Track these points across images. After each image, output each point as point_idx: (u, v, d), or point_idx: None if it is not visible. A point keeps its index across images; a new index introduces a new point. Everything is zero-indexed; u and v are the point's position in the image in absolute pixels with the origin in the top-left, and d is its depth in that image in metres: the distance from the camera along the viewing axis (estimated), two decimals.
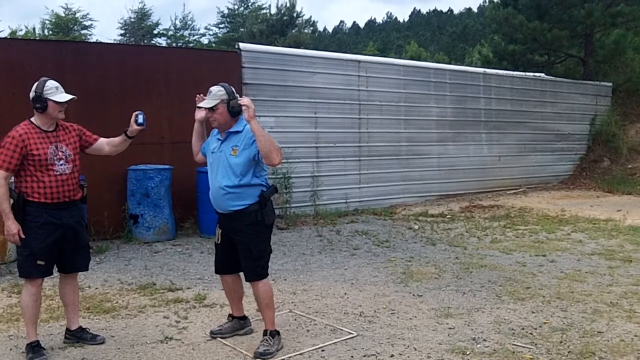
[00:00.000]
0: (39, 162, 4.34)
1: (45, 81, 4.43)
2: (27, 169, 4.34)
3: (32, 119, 4.46)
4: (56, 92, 4.43)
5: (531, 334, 4.90)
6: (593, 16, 16.41)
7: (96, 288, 6.32)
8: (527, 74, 15.83)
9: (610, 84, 17.26)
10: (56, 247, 4.45)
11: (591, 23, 16.83)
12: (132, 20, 35.93)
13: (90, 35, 34.49)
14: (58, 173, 4.41)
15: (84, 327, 4.84)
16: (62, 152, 4.47)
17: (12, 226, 4.27)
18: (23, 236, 4.29)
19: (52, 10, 38.75)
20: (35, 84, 4.42)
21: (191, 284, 6.55)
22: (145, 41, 33.97)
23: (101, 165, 7.86)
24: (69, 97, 4.48)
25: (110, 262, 7.53)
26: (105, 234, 8.56)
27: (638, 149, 15.91)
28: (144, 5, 38.10)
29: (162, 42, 37.48)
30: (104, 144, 4.81)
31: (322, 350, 4.60)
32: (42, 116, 4.43)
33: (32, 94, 4.40)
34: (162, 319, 5.36)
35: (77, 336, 4.74)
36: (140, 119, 4.67)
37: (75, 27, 34.62)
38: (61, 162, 4.44)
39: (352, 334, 4.94)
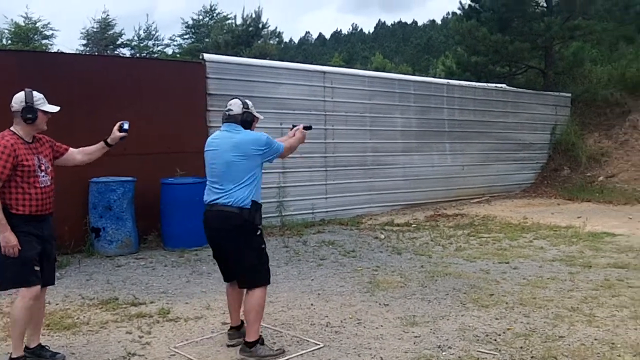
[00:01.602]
0: (28, 174, 4.28)
1: (32, 91, 4.40)
2: (13, 180, 4.26)
3: (13, 129, 4.39)
4: (45, 103, 4.44)
5: (495, 340, 4.96)
6: (552, 29, 16.76)
7: (57, 304, 6.19)
8: (490, 84, 16.08)
9: (570, 94, 17.63)
10: (42, 257, 4.39)
11: (550, 36, 17.17)
12: (95, 30, 35.50)
13: (51, 45, 33.91)
14: (43, 185, 4.38)
15: (43, 344, 4.72)
16: (43, 163, 4.45)
17: (11, 237, 4.19)
18: (20, 248, 4.21)
19: (12, 20, 37.92)
20: (21, 94, 4.38)
21: (154, 298, 6.47)
22: (108, 51, 33.61)
23: (62, 178, 7.67)
24: (57, 108, 4.48)
25: (72, 277, 7.39)
26: (67, 248, 8.37)
27: (596, 157, 16.24)
28: (107, 15, 37.55)
29: (125, 52, 37.12)
30: (75, 153, 4.78)
31: None
32: (29, 127, 4.39)
33: (21, 105, 4.34)
34: (125, 335, 5.28)
35: (37, 354, 4.61)
36: (126, 125, 4.73)
37: (35, 36, 34.06)
38: (43, 173, 4.42)
39: (319, 345, 4.94)
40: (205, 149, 4.86)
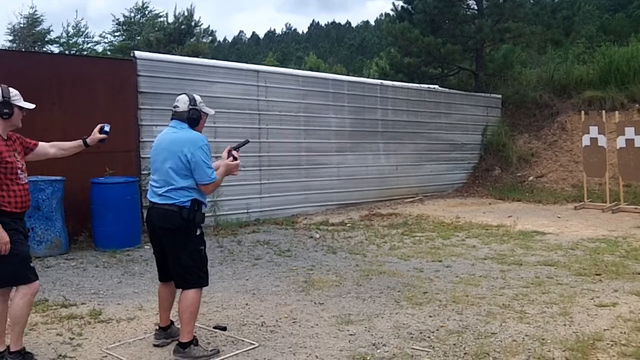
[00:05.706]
0: (11, 170, 4.22)
1: (8, 87, 4.32)
2: None
3: None
4: (20, 99, 4.36)
5: (429, 337, 5.01)
6: (482, 32, 17.15)
7: None
8: (422, 85, 16.33)
9: (500, 96, 18.08)
10: None
11: (481, 38, 17.57)
12: (22, 25, 34.25)
13: None
14: (23, 182, 4.32)
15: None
16: (18, 160, 4.37)
17: (4, 234, 4.10)
18: (12, 245, 4.15)
19: None
20: None
21: (86, 299, 6.28)
22: (36, 48, 32.50)
23: None
24: (33, 105, 4.43)
25: None
26: None
27: (526, 158, 16.70)
28: (35, 11, 36.22)
29: (54, 49, 35.97)
30: (47, 147, 4.72)
31: None
32: (5, 123, 4.31)
33: None
34: (55, 337, 5.10)
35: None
36: (107, 128, 4.71)
37: None
38: (20, 170, 4.34)
39: (254, 344, 4.88)
40: (152, 146, 4.80)
